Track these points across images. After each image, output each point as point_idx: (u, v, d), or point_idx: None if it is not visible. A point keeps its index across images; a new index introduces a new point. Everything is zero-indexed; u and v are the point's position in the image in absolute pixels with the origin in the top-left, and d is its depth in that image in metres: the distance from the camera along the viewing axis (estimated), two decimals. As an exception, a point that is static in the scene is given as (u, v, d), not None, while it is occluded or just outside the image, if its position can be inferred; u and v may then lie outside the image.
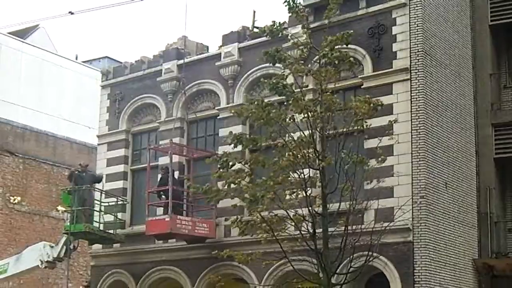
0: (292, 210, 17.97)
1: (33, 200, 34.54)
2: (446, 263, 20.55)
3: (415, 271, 19.61)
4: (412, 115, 20.29)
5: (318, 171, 18.02)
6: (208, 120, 24.81)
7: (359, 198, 18.12)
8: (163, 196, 23.26)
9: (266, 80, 19.34)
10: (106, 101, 27.28)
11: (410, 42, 20.67)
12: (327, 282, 17.63)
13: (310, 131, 17.94)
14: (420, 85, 20.44)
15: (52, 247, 24.43)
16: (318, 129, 18.09)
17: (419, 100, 20.35)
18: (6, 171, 33.68)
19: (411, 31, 20.71)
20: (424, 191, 19.91)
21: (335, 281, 18.16)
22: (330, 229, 17.82)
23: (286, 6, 18.73)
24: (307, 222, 17.89)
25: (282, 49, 18.92)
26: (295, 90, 18.24)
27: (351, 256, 17.85)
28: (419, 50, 20.57)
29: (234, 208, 19.17)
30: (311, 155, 17.96)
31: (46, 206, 34.95)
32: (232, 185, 18.30)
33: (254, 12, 25.34)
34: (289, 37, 19.33)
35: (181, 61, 25.20)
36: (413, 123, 20.25)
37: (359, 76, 21.22)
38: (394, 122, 19.29)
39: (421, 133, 20.19)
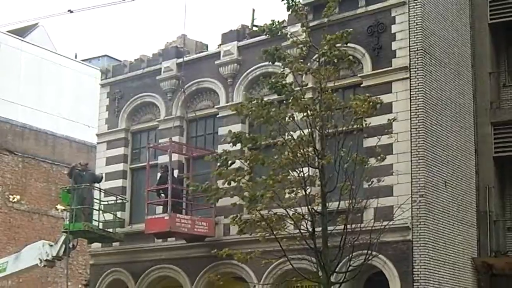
0: (292, 209, 17.96)
1: (32, 199, 34.54)
2: (445, 262, 20.55)
3: (414, 269, 19.62)
4: (412, 113, 20.29)
5: (317, 170, 18.02)
6: (207, 119, 24.80)
7: (358, 196, 18.13)
8: (162, 195, 23.25)
9: (265, 80, 19.34)
10: (105, 99, 27.27)
11: (409, 41, 20.67)
12: (326, 280, 17.64)
13: (309, 129, 17.94)
14: (419, 84, 20.44)
15: (51, 245, 24.41)
16: (317, 127, 18.10)
17: (419, 98, 20.35)
18: (5, 169, 33.68)
19: (410, 30, 20.71)
20: (424, 189, 19.92)
21: (334, 279, 18.16)
22: (329, 228, 17.83)
23: (285, 4, 18.73)
24: (306, 221, 17.90)
25: (281, 47, 18.92)
26: (295, 89, 18.24)
27: (350, 255, 17.86)
28: (419, 48, 20.57)
29: (233, 206, 19.18)
30: (310, 154, 17.98)
31: (45, 205, 34.96)
32: (232, 183, 18.29)
33: (254, 10, 25.40)
34: (288, 36, 19.33)
35: (180, 60, 25.18)
36: (412, 122, 20.25)
37: (359, 75, 21.22)
38: (393, 121, 19.29)
39: (420, 131, 20.19)
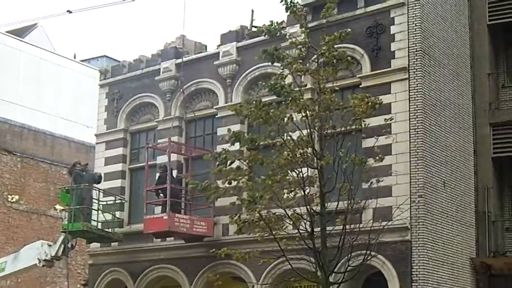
0: (291, 209, 17.97)
1: (31, 199, 34.56)
2: (444, 262, 20.57)
3: (413, 270, 19.63)
4: (410, 114, 20.31)
5: (316, 170, 18.03)
6: (206, 119, 24.81)
7: (357, 197, 18.14)
8: (161, 195, 23.27)
9: (264, 83, 19.34)
10: (104, 100, 27.26)
11: (408, 42, 20.69)
12: (325, 280, 17.64)
13: (308, 130, 17.95)
14: (418, 85, 20.46)
15: (50, 245, 24.39)
16: (316, 128, 18.10)
17: (417, 99, 20.37)
18: (4, 169, 33.70)
19: (409, 31, 20.73)
20: (422, 190, 19.93)
21: (333, 279, 18.17)
22: (328, 228, 17.83)
23: (283, 5, 18.72)
24: (305, 221, 17.89)
25: (280, 48, 18.93)
26: (294, 89, 18.25)
27: (349, 255, 17.87)
28: (418, 49, 20.59)
29: (232, 206, 19.16)
30: (309, 154, 17.98)
31: (44, 205, 34.98)
32: (233, 182, 18.28)
33: (253, 11, 25.37)
34: (287, 37, 19.34)
35: (179, 60, 25.18)
36: (411, 123, 20.27)
37: (358, 76, 21.25)
38: (390, 120, 19.30)
39: (419, 132, 20.21)
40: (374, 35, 21.18)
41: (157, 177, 23.77)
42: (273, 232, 18.00)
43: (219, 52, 24.41)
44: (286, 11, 19.00)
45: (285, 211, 17.95)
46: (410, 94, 20.43)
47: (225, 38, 24.47)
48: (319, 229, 17.77)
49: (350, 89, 21.18)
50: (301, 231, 17.89)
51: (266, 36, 19.66)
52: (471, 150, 22.79)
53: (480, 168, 22.83)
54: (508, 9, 23.50)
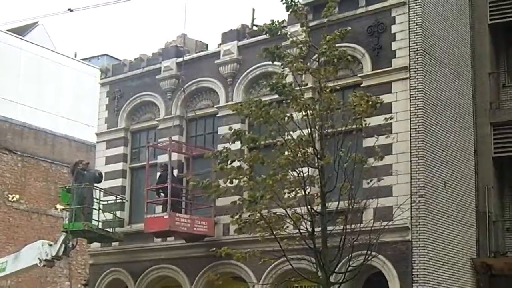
0: (291, 209, 17.95)
1: (31, 198, 34.53)
2: (444, 262, 20.55)
3: (413, 270, 19.61)
4: (411, 113, 20.29)
5: (317, 170, 18.01)
6: (207, 118, 24.80)
7: (358, 197, 18.12)
8: (162, 194, 23.24)
9: (265, 82, 19.31)
10: (105, 99, 27.26)
11: (409, 41, 20.66)
12: (326, 281, 17.62)
13: (309, 129, 17.93)
14: (419, 84, 20.44)
15: (50, 245, 24.35)
16: (317, 127, 18.08)
17: (418, 99, 20.35)
18: (4, 169, 33.66)
19: (410, 30, 20.71)
20: (423, 190, 19.91)
21: (333, 280, 18.15)
22: (328, 228, 17.81)
23: (284, 4, 18.70)
24: (305, 221, 17.88)
25: (281, 46, 18.90)
26: (295, 89, 18.23)
27: (350, 255, 17.85)
28: (418, 48, 20.57)
29: (233, 205, 19.13)
30: (310, 154, 17.96)
31: (45, 204, 34.94)
32: (234, 181, 18.25)
33: (254, 10, 25.36)
34: (288, 36, 19.31)
35: (180, 59, 25.17)
36: (412, 122, 20.25)
37: (358, 75, 21.23)
38: (391, 120, 19.27)
39: (420, 132, 20.19)
40: (375, 34, 21.16)
41: (157, 176, 23.74)
42: (274, 232, 17.98)
43: (220, 51, 24.39)
44: (287, 10, 18.98)
45: (286, 211, 17.93)
46: (411, 93, 20.40)
47: (226, 37, 24.45)
48: (319, 229, 17.75)
49: (351, 88, 21.11)
50: (301, 231, 17.87)
51: (267, 35, 19.63)
52: (471, 149, 22.76)
53: (480, 168, 22.80)
54: (509, 9, 23.48)
